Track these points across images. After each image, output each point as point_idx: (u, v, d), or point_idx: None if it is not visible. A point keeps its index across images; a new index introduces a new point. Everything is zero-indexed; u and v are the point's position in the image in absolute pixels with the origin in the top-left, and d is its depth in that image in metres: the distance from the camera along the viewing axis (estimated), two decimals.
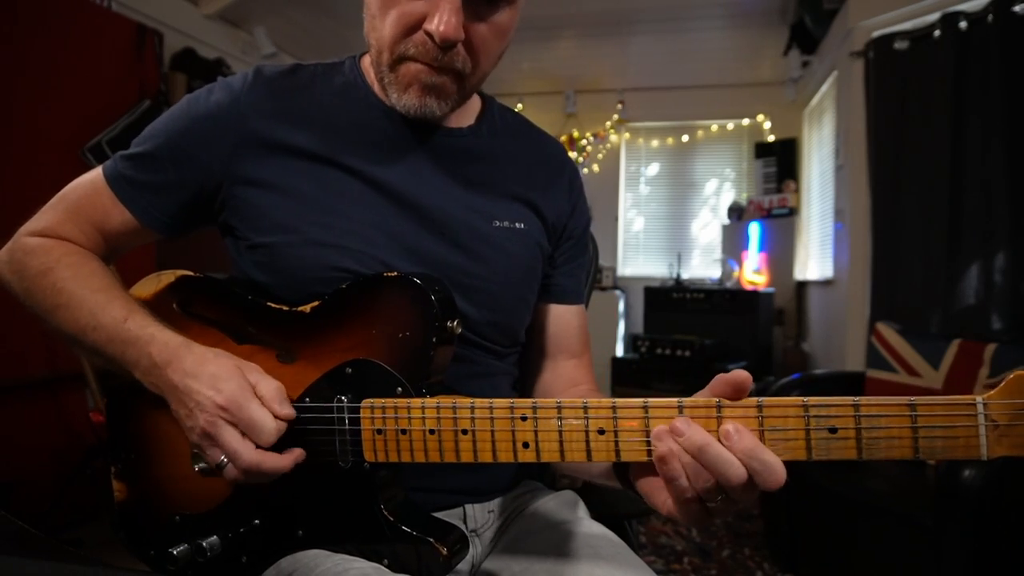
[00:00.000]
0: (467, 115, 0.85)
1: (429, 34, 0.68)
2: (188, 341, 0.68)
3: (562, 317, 0.91)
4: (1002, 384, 0.49)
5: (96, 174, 0.79)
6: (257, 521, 0.71)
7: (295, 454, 0.66)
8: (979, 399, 0.49)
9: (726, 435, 0.52)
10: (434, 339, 0.66)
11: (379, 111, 0.80)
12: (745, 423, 0.54)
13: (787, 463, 0.52)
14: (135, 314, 0.70)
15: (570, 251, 0.91)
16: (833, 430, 0.52)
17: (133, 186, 0.77)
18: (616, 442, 0.57)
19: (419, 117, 0.75)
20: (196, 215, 0.80)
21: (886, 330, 2.34)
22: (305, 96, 0.79)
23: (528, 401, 0.60)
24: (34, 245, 0.76)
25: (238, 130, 0.75)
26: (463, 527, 0.79)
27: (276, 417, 0.64)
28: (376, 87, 0.81)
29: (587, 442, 0.58)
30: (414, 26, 0.69)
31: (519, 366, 0.91)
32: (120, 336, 0.69)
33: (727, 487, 0.52)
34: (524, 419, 0.60)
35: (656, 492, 0.59)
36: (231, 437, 0.63)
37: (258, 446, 0.64)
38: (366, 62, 0.83)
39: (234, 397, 0.63)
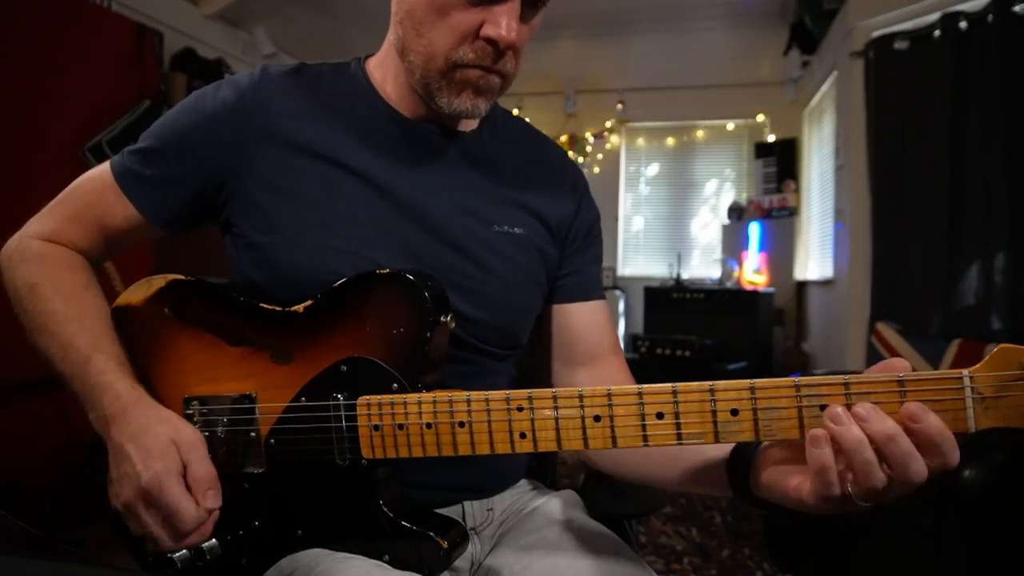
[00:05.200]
0: (471, 119, 0.85)
1: (490, 40, 0.69)
2: (140, 398, 0.68)
3: (583, 316, 0.87)
4: (988, 357, 0.50)
5: (104, 168, 0.80)
6: (256, 523, 0.71)
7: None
8: (966, 372, 0.50)
9: (912, 416, 0.49)
10: (428, 334, 0.66)
11: (383, 113, 0.80)
12: (738, 405, 0.55)
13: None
14: (98, 354, 0.70)
15: (578, 246, 0.88)
16: (824, 408, 0.53)
17: (138, 180, 0.78)
18: (612, 428, 0.58)
19: (464, 117, 0.77)
20: (199, 212, 0.80)
21: (886, 330, 2.34)
22: (311, 96, 0.79)
23: (524, 392, 0.61)
24: (33, 252, 0.77)
25: (243, 127, 0.75)
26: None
27: (199, 505, 0.63)
28: (384, 90, 0.81)
29: (583, 430, 0.59)
30: (470, 34, 0.70)
31: (515, 368, 0.91)
32: (80, 376, 0.69)
33: (901, 482, 0.49)
34: (520, 410, 0.60)
35: (787, 477, 0.56)
36: (148, 520, 0.63)
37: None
38: (371, 64, 0.83)
39: (156, 480, 0.62)
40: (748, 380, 0.55)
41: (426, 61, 0.73)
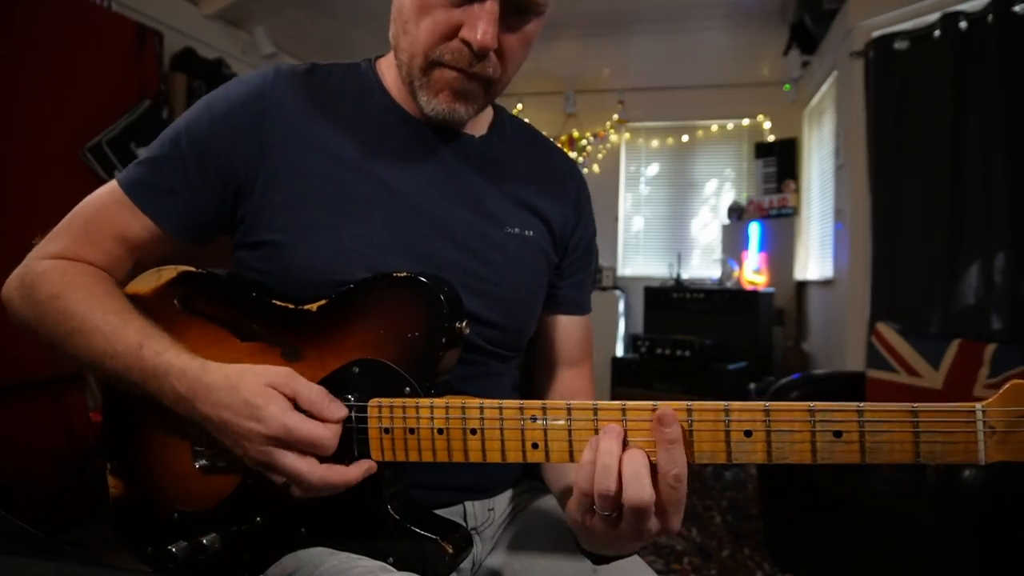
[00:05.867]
0: (480, 123, 0.85)
1: (467, 42, 0.68)
2: (204, 364, 0.65)
3: (566, 328, 0.91)
4: (1000, 392, 0.51)
5: (111, 185, 0.77)
6: (259, 519, 0.71)
7: (365, 466, 0.64)
8: (978, 407, 0.51)
9: (662, 419, 0.55)
10: (443, 340, 0.66)
11: (395, 115, 0.80)
12: (752, 427, 0.55)
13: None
14: (150, 339, 0.67)
15: (577, 262, 0.91)
16: (838, 434, 0.53)
17: (151, 190, 0.75)
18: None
19: (445, 121, 0.75)
20: (219, 217, 0.77)
21: (886, 330, 2.34)
22: (324, 96, 0.78)
23: (538, 402, 0.61)
24: (46, 268, 0.73)
25: (259, 127, 0.74)
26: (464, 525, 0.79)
27: (328, 421, 0.62)
28: (393, 91, 0.81)
29: None
30: (450, 34, 0.70)
31: (520, 372, 0.91)
32: (137, 365, 0.66)
33: (626, 499, 0.54)
34: (534, 420, 0.60)
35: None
36: (290, 462, 0.61)
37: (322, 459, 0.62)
38: (382, 65, 0.83)
39: (281, 423, 0.60)
40: (762, 402, 0.55)
41: (409, 58, 0.73)
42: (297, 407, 0.62)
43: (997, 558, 1.54)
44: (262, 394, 0.61)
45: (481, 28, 0.67)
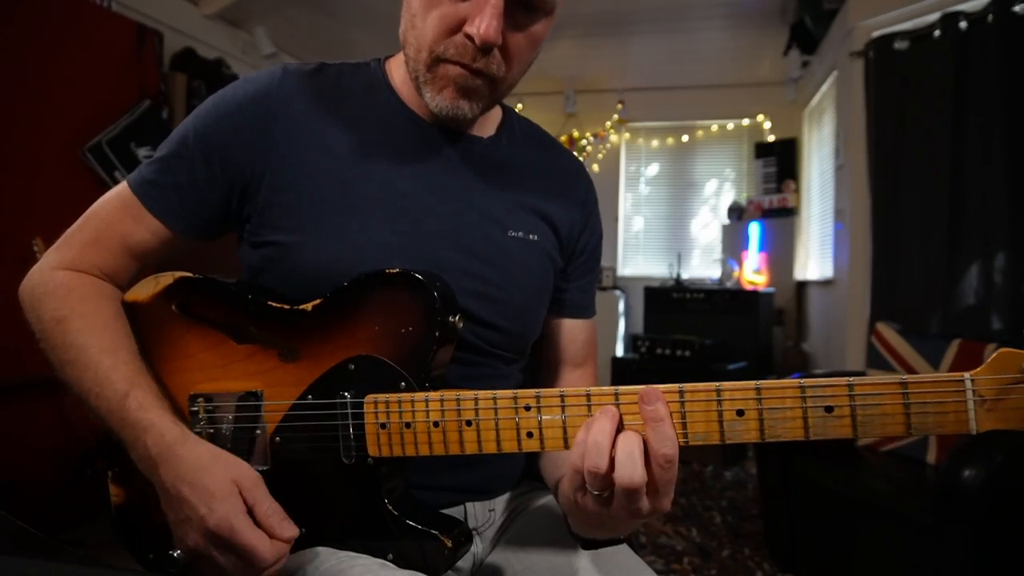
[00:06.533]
0: (488, 124, 0.85)
1: (470, 36, 0.68)
2: (185, 434, 0.66)
3: (571, 331, 0.91)
4: (989, 360, 0.51)
5: (120, 187, 0.77)
6: None
7: None
8: (967, 375, 0.51)
9: (645, 397, 0.56)
10: (437, 334, 0.67)
11: (402, 115, 0.80)
12: (744, 406, 0.55)
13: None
14: (137, 389, 0.68)
15: (583, 266, 0.91)
16: (829, 409, 0.54)
17: (158, 189, 0.75)
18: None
19: (449, 118, 0.75)
20: (225, 216, 0.78)
21: (886, 330, 2.34)
22: (332, 96, 0.78)
23: (531, 391, 0.61)
24: (56, 284, 0.74)
25: (266, 126, 0.74)
26: None
27: (276, 538, 0.62)
28: (402, 91, 0.81)
29: None
30: (455, 28, 0.69)
31: (521, 374, 0.91)
32: (119, 412, 0.67)
33: (618, 480, 0.54)
34: (528, 409, 0.61)
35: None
36: (224, 561, 0.62)
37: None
38: (391, 65, 0.83)
39: (229, 522, 0.60)
40: (753, 381, 0.55)
41: (416, 53, 0.73)
42: (252, 514, 0.63)
43: (997, 558, 1.54)
44: (223, 488, 0.62)
45: (485, 22, 0.67)
